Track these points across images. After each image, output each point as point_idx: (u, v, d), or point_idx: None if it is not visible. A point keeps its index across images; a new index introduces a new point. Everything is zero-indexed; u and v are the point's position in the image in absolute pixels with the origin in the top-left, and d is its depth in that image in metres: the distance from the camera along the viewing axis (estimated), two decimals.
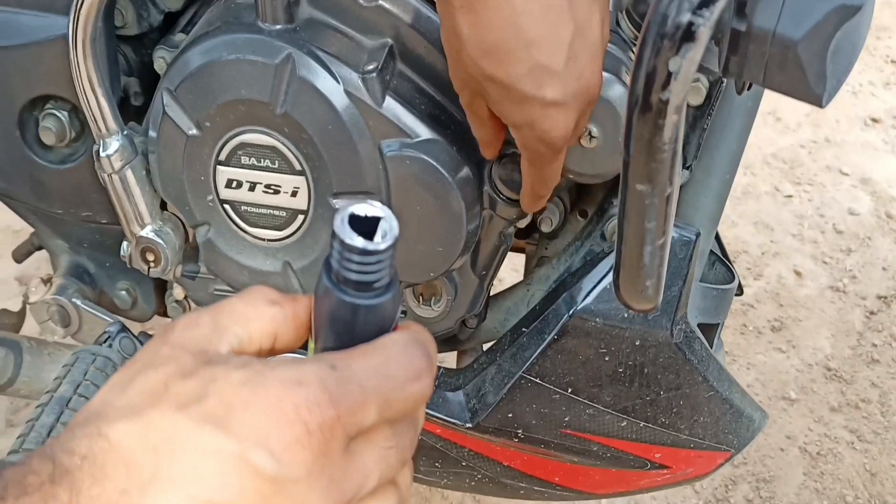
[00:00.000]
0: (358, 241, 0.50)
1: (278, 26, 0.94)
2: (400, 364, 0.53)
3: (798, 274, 2.03)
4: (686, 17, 0.58)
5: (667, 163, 0.65)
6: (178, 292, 1.19)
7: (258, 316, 0.55)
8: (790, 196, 2.20)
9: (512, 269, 1.69)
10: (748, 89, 0.88)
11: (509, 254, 1.13)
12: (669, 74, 0.60)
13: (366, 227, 0.51)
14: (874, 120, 2.40)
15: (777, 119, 2.39)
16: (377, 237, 0.50)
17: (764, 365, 1.86)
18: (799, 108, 2.43)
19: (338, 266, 0.51)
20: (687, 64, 0.59)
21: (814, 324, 1.93)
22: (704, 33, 0.58)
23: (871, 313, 1.95)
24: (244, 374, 0.51)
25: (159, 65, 1.04)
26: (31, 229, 1.26)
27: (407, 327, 0.55)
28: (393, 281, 0.53)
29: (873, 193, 2.21)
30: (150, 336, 1.17)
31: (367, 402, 0.51)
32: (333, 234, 0.51)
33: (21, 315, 1.35)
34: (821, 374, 1.84)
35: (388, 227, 0.51)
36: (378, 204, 0.51)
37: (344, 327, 0.53)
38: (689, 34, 0.59)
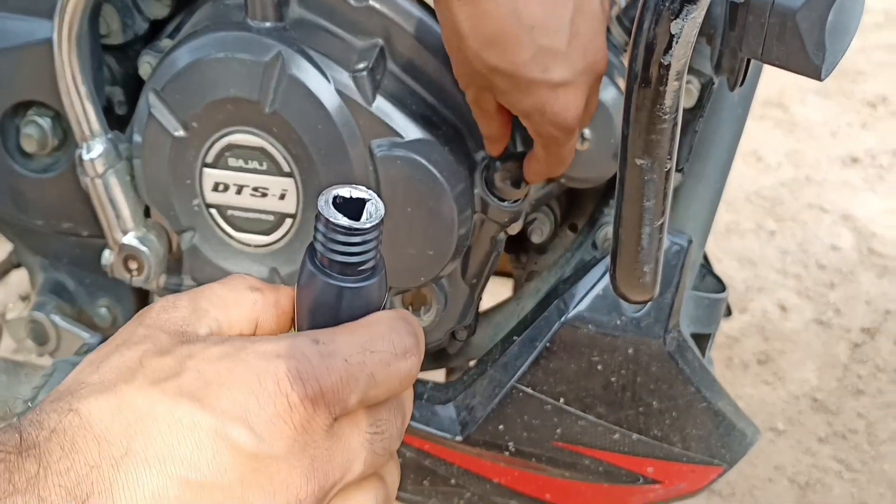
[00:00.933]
0: (343, 220, 0.49)
1: (268, 24, 0.93)
2: (386, 340, 0.51)
3: (783, 308, 2.02)
4: None
5: (667, 134, 0.64)
6: None
7: (239, 301, 0.53)
8: (773, 232, 2.21)
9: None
10: (741, 84, 0.88)
11: (488, 287, 1.11)
12: (671, 38, 0.59)
13: (351, 209, 0.50)
14: (853, 159, 2.42)
15: (758, 158, 2.41)
16: (363, 218, 0.49)
17: (751, 397, 1.84)
18: (779, 148, 2.45)
19: (322, 249, 0.50)
20: (689, 26, 0.59)
21: (799, 356, 1.93)
22: None
23: (856, 345, 1.94)
24: (223, 350, 0.49)
25: (144, 70, 1.03)
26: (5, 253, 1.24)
27: (393, 309, 0.53)
28: (378, 265, 0.51)
29: (854, 229, 2.21)
30: None
31: (352, 378, 0.49)
32: (318, 216, 0.49)
33: None
34: (807, 405, 1.83)
35: (374, 209, 0.50)
36: (363, 187, 0.50)
37: (328, 313, 0.51)
38: None
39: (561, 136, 0.88)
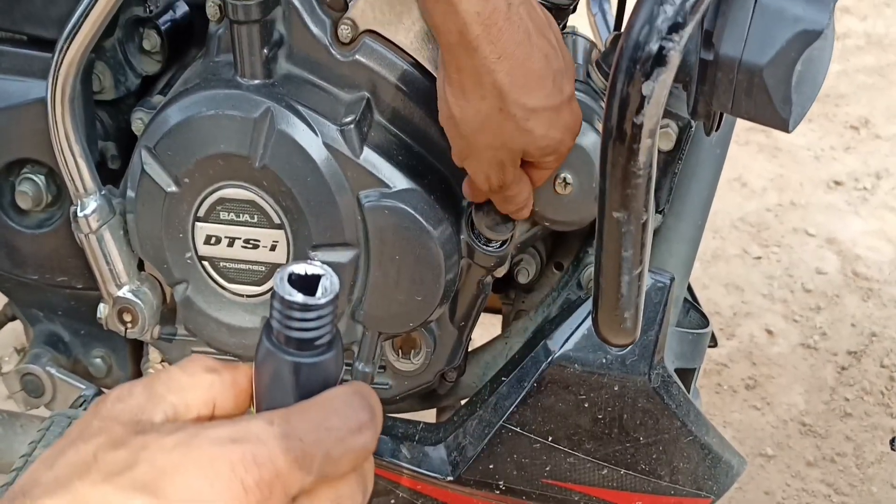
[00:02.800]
0: (298, 297, 0.50)
1: (257, 81, 0.96)
2: (341, 416, 0.51)
3: (770, 333, 2.05)
4: (657, 43, 0.61)
5: (642, 188, 0.67)
6: (153, 357, 1.19)
7: (195, 384, 0.53)
8: (759, 258, 2.24)
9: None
10: (716, 130, 0.91)
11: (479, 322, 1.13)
12: (643, 98, 0.62)
13: (307, 285, 0.51)
14: (837, 183, 2.45)
15: (743, 184, 2.44)
16: (318, 293, 0.50)
17: (740, 423, 1.86)
18: (764, 174, 2.48)
19: (279, 326, 0.51)
20: (659, 87, 0.61)
21: (787, 381, 1.95)
22: (675, 57, 0.61)
23: (843, 368, 1.97)
24: (176, 438, 0.49)
25: (137, 126, 1.05)
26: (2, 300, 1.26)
27: (349, 383, 0.54)
28: (335, 339, 0.52)
29: (839, 253, 2.24)
30: None
31: (308, 457, 0.49)
32: (273, 294, 0.50)
33: None
34: (796, 429, 1.85)
35: (329, 284, 0.51)
36: (318, 263, 0.51)
37: (286, 389, 0.52)
38: (660, 58, 0.61)
39: (569, 146, 0.93)
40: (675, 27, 0.60)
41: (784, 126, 0.68)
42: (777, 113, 0.67)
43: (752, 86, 0.67)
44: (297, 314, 0.50)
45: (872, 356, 2.00)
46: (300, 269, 0.51)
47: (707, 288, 2.14)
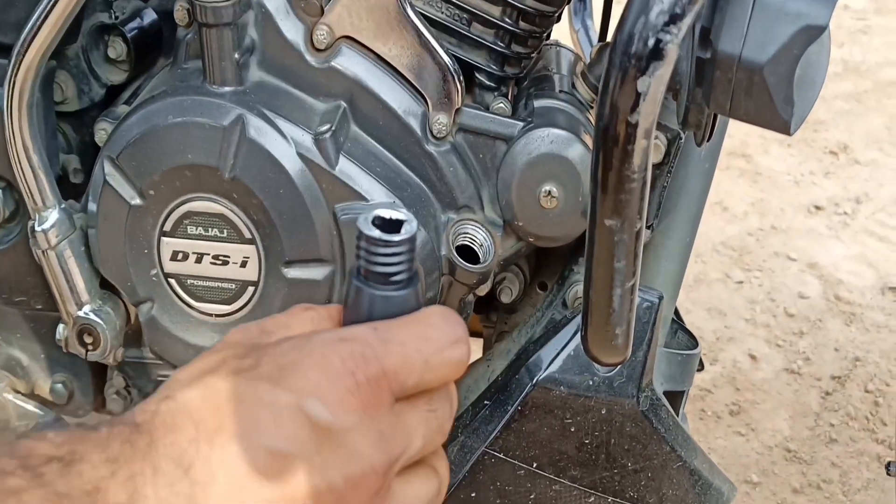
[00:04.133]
0: (375, 232, 0.56)
1: (227, 88, 0.91)
2: (439, 330, 0.57)
3: (753, 358, 2.01)
4: (653, 35, 0.57)
5: (636, 194, 0.63)
6: (118, 382, 1.13)
7: (299, 321, 0.60)
8: (741, 282, 2.21)
9: None
10: (707, 140, 0.87)
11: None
12: (638, 95, 0.58)
13: (390, 228, 0.57)
14: (817, 207, 2.44)
15: (724, 209, 2.41)
16: (401, 233, 0.57)
17: (724, 449, 1.82)
18: (745, 198, 2.46)
19: (364, 263, 0.57)
20: (655, 83, 0.57)
21: (771, 406, 1.91)
22: (672, 51, 0.57)
23: (827, 394, 1.94)
24: (292, 342, 0.57)
25: (100, 137, 1.00)
26: None
27: (440, 306, 0.60)
28: (415, 277, 0.58)
29: (821, 277, 2.22)
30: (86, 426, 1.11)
31: (409, 362, 0.55)
32: (359, 235, 0.57)
33: None
34: (781, 456, 1.81)
35: (409, 228, 0.57)
36: (404, 210, 0.58)
37: (373, 320, 0.57)
38: (657, 52, 0.57)
39: None
40: (673, 19, 0.56)
41: (785, 128, 0.64)
42: (778, 114, 0.63)
43: (751, 85, 0.63)
44: (381, 249, 0.56)
45: (857, 381, 1.97)
46: (386, 213, 0.57)
47: (690, 313, 2.11)
